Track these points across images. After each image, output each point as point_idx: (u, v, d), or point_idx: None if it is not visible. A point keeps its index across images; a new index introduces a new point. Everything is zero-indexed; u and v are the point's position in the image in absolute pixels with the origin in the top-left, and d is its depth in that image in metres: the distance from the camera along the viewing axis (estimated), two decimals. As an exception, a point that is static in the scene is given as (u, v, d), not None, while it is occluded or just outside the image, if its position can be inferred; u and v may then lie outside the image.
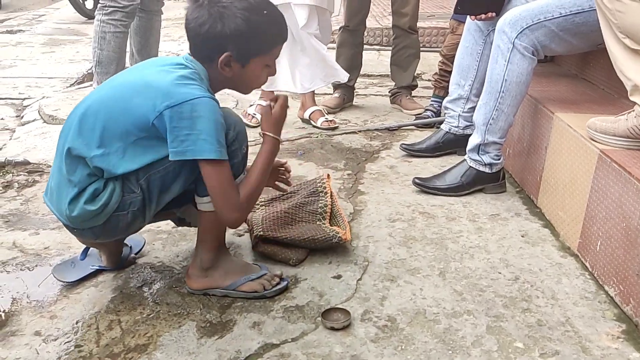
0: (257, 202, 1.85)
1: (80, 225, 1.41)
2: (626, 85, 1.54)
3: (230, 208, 1.39)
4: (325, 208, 1.83)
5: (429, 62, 4.20)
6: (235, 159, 1.45)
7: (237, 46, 1.38)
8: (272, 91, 3.01)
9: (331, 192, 1.91)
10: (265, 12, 1.40)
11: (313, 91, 2.99)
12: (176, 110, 1.31)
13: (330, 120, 2.92)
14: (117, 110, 1.36)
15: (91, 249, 1.63)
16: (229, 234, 1.73)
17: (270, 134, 1.48)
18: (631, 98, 1.54)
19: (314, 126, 2.92)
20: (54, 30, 5.57)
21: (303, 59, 2.84)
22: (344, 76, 2.90)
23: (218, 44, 1.38)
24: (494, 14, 2.15)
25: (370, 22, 4.85)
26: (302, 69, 2.88)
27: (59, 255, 1.71)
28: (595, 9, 1.63)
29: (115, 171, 1.36)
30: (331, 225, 1.79)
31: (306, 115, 2.98)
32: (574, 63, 2.50)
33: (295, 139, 2.75)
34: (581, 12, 1.82)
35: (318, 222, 1.78)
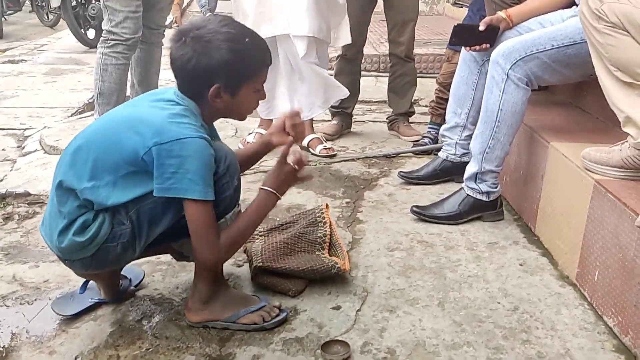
0: (256, 232, 1.86)
1: (70, 256, 1.43)
2: (619, 116, 1.56)
3: (207, 250, 1.40)
4: (324, 238, 1.84)
5: (426, 88, 4.24)
6: (227, 191, 1.46)
7: (225, 77, 1.40)
8: (271, 119, 3.06)
9: (330, 221, 1.92)
10: (247, 39, 1.43)
11: (311, 119, 3.02)
12: (165, 148, 1.33)
13: (329, 148, 2.94)
14: (108, 144, 1.38)
15: (90, 282, 1.63)
16: (228, 264, 1.74)
17: (271, 190, 1.48)
18: (624, 129, 1.56)
19: (313, 154, 2.94)
20: (56, 60, 5.64)
21: (302, 88, 2.88)
22: (345, 92, 2.94)
23: (206, 77, 1.40)
24: (488, 45, 2.18)
25: (367, 50, 4.91)
26: (300, 98, 2.91)
27: (59, 289, 1.72)
28: (586, 41, 1.66)
29: (105, 203, 1.38)
30: (330, 256, 1.80)
31: (305, 142, 3.00)
32: (568, 92, 2.53)
33: (294, 167, 2.77)
34: (573, 45, 1.85)
35: (317, 252, 1.79)
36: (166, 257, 1.86)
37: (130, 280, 1.71)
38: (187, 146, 1.33)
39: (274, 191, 1.48)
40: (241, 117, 1.56)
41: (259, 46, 1.47)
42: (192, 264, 1.74)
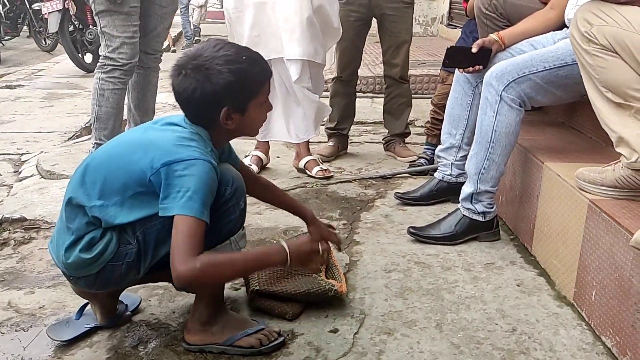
0: None
1: (75, 272, 1.44)
2: (611, 137, 1.58)
3: (180, 259, 1.28)
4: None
5: (421, 109, 4.27)
6: (232, 214, 1.48)
7: (232, 98, 1.42)
8: (268, 141, 3.08)
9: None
10: (244, 57, 1.44)
11: (307, 140, 3.03)
12: (172, 168, 1.34)
13: (325, 169, 2.95)
14: (118, 165, 1.41)
15: (87, 308, 1.62)
16: (226, 288, 1.73)
17: (287, 248, 1.40)
18: (617, 149, 1.58)
19: (309, 175, 2.95)
20: (53, 85, 5.67)
21: (297, 110, 2.90)
22: (328, 109, 3.03)
23: (214, 103, 1.42)
24: (481, 67, 2.21)
25: (363, 71, 4.97)
26: (296, 120, 2.93)
27: (54, 315, 1.70)
28: (577, 63, 1.68)
29: (112, 222, 1.40)
30: (327, 278, 1.79)
31: (301, 164, 3.01)
32: (561, 112, 2.56)
33: (291, 189, 2.78)
34: (564, 66, 1.88)
35: (314, 275, 1.79)
36: (163, 282, 1.85)
37: (126, 305, 1.70)
38: (192, 167, 1.35)
39: (288, 251, 1.40)
40: (253, 133, 1.59)
41: (257, 61, 1.48)
42: (189, 288, 1.75)
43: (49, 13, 5.97)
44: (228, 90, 1.41)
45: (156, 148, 1.38)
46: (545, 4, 2.27)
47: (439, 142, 2.59)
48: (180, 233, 1.32)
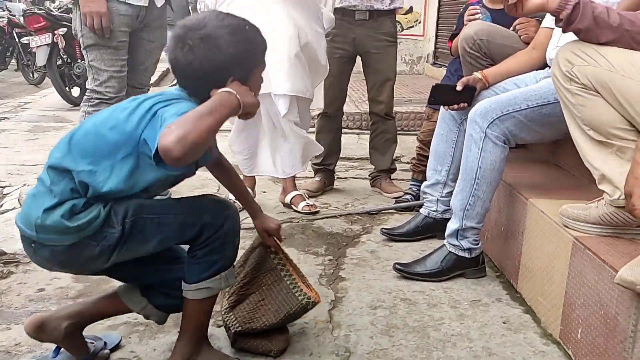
0: (226, 300, 1.79)
1: (46, 237, 1.35)
2: (594, 174, 1.60)
3: (164, 132, 1.22)
4: (281, 261, 1.76)
5: (407, 145, 4.31)
6: (227, 250, 1.46)
7: (239, 67, 1.40)
8: (254, 176, 3.08)
9: (278, 247, 1.80)
10: (247, 27, 1.44)
11: (294, 175, 3.04)
12: (162, 106, 1.32)
13: (311, 205, 2.95)
14: (107, 128, 1.36)
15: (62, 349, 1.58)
16: (210, 325, 1.69)
17: (231, 91, 1.34)
18: (600, 187, 1.59)
19: (295, 210, 2.94)
20: (39, 118, 5.64)
21: (284, 145, 2.91)
22: (319, 148, 3.02)
23: (222, 72, 1.39)
24: (465, 105, 2.24)
25: (349, 108, 5.02)
26: (283, 155, 2.94)
27: (30, 352, 1.65)
28: (560, 101, 1.71)
29: (100, 189, 1.34)
30: (301, 280, 1.73)
31: (287, 199, 3.01)
32: (545, 149, 2.59)
33: (277, 224, 2.76)
34: (547, 104, 1.91)
35: (285, 279, 1.72)
36: (143, 319, 1.81)
37: (105, 343, 1.65)
38: (183, 104, 1.32)
39: (235, 94, 1.34)
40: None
41: (258, 30, 1.48)
42: (170, 325, 1.71)
43: (38, 47, 5.98)
44: (236, 59, 1.39)
45: (147, 102, 1.35)
46: (528, 44, 2.33)
47: (424, 178, 2.61)
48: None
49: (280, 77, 2.72)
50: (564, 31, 1.59)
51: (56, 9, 7.04)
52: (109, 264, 1.42)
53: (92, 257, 1.38)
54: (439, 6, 7.59)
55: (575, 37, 1.59)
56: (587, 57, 1.54)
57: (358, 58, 3.25)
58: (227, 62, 1.38)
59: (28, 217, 1.37)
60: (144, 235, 1.39)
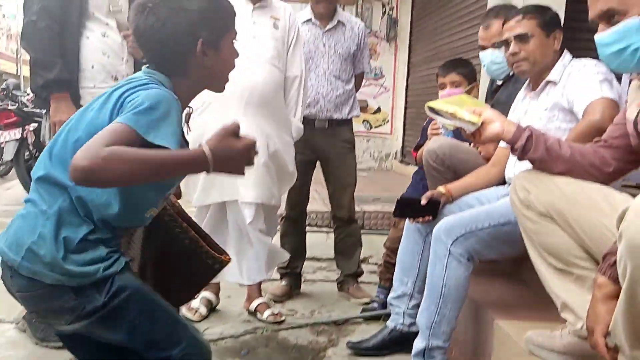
0: None
1: (30, 268, 1.24)
2: (555, 302, 1.59)
3: (85, 151, 1.13)
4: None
5: (375, 245, 4.29)
6: None
7: (207, 27, 1.34)
8: (218, 282, 3.00)
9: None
10: None
11: (259, 282, 2.98)
12: (131, 92, 1.26)
13: (277, 314, 2.87)
14: (82, 128, 1.28)
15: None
16: None
17: (209, 152, 1.24)
18: (562, 315, 1.58)
19: (260, 319, 2.86)
20: (3, 213, 5.51)
21: (250, 252, 2.87)
22: (285, 256, 3.01)
23: (188, 34, 1.33)
24: (430, 218, 2.26)
25: (318, 206, 5.03)
26: (248, 261, 2.89)
27: None
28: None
29: (100, 205, 1.26)
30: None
31: (252, 307, 2.93)
32: (510, 262, 2.60)
33: (240, 335, 2.66)
34: (508, 223, 1.94)
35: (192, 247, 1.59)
36: None
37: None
38: (152, 92, 1.25)
39: (209, 154, 1.23)
40: (223, 80, 1.45)
41: None
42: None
43: (6, 142, 5.96)
44: (203, 17, 1.33)
45: (118, 91, 1.29)
46: (488, 159, 2.40)
47: (391, 285, 2.57)
48: (101, 132, 1.17)
49: (247, 185, 2.73)
50: (519, 159, 1.65)
51: (29, 102, 7.09)
52: (70, 329, 1.32)
53: (61, 308, 1.28)
54: (406, 108, 7.90)
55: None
56: (543, 185, 1.58)
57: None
58: (192, 20, 1.33)
59: (19, 239, 1.27)
60: (117, 324, 1.30)
